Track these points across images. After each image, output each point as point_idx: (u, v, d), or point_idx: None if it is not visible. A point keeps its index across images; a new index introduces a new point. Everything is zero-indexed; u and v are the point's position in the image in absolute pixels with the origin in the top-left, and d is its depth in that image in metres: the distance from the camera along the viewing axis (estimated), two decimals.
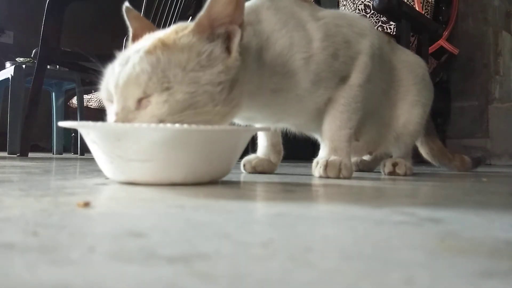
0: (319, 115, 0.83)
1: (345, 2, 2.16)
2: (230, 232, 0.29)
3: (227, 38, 0.62)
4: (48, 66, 2.17)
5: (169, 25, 1.55)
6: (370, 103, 0.87)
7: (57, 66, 2.54)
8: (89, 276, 0.19)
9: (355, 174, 0.93)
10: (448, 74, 2.24)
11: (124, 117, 0.57)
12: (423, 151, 1.22)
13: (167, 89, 0.56)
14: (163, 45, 0.58)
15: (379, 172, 1.06)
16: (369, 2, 2.01)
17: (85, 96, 2.53)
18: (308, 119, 0.86)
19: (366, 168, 1.16)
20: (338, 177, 0.78)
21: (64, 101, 2.76)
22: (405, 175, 0.96)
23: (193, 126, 0.55)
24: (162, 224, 0.31)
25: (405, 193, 0.61)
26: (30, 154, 1.86)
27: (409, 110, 0.97)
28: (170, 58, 0.57)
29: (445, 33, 2.13)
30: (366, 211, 0.39)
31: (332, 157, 0.79)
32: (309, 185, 0.68)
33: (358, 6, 2.08)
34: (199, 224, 0.31)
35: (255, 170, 0.92)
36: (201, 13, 0.60)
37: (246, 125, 0.85)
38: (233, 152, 0.62)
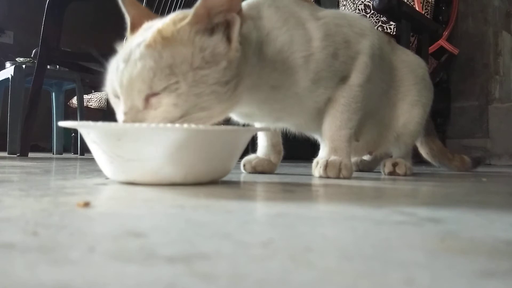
0: (319, 115, 0.83)
1: (345, 2, 2.16)
2: (230, 232, 0.29)
3: (227, 28, 0.61)
4: (48, 66, 2.17)
5: None
6: (370, 103, 0.87)
7: (57, 66, 2.54)
8: (89, 276, 0.19)
9: (355, 174, 0.93)
10: (448, 74, 2.24)
11: (134, 116, 0.57)
12: (423, 151, 1.22)
13: (177, 89, 0.56)
14: (163, 39, 0.57)
15: (379, 172, 1.06)
16: (369, 2, 2.01)
17: (85, 96, 2.53)
18: (308, 119, 0.86)
19: (366, 168, 1.16)
20: (338, 177, 0.78)
21: (64, 101, 2.76)
22: (405, 175, 0.96)
23: (193, 126, 0.55)
24: (162, 224, 0.31)
25: (405, 193, 0.61)
26: (30, 154, 1.86)
27: (409, 110, 0.97)
28: (174, 54, 0.57)
29: (445, 33, 2.13)
30: (366, 211, 0.39)
31: (332, 157, 0.79)
32: (309, 185, 0.68)
33: (358, 6, 2.08)
34: (199, 224, 0.31)
35: (255, 170, 0.92)
36: (197, 3, 0.59)
37: (246, 125, 0.85)
38: (233, 152, 0.62)
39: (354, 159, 1.11)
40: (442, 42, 2.08)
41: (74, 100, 2.62)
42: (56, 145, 2.71)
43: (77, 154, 2.53)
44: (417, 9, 1.94)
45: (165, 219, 0.34)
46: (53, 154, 2.66)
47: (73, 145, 2.92)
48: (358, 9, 2.08)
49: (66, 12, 1.79)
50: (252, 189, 0.60)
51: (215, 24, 0.60)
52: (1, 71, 2.52)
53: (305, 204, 0.45)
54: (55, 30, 1.76)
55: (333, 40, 0.78)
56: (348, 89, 0.81)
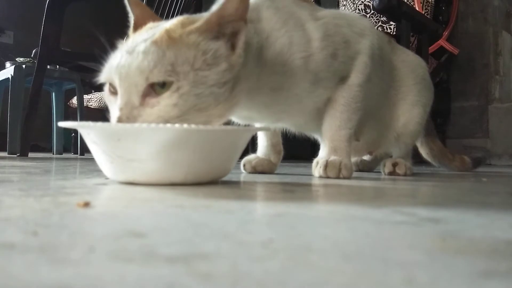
0: (318, 115, 0.83)
1: (345, 2, 2.16)
2: (230, 232, 0.29)
3: (232, 35, 0.62)
4: (48, 66, 2.17)
5: None
6: (370, 103, 0.87)
7: (57, 66, 2.54)
8: (89, 276, 0.19)
9: (355, 174, 0.93)
10: (448, 74, 2.24)
11: (129, 113, 0.56)
12: (423, 151, 1.22)
13: (179, 89, 0.56)
14: (170, 38, 0.57)
15: (379, 172, 1.06)
16: (369, 2, 2.01)
17: (85, 96, 2.53)
18: (308, 119, 0.86)
19: (366, 168, 1.16)
20: (338, 177, 0.78)
21: (64, 101, 2.76)
22: (405, 175, 0.96)
23: (193, 126, 0.55)
24: (162, 224, 0.31)
25: (405, 193, 0.61)
26: (30, 154, 1.86)
27: (409, 110, 0.97)
28: (177, 54, 0.57)
29: (445, 33, 2.13)
30: (366, 211, 0.39)
31: (332, 157, 0.79)
32: (309, 185, 0.68)
33: (358, 6, 2.08)
34: (199, 224, 0.31)
35: (255, 170, 0.92)
36: (213, 11, 0.60)
37: (246, 125, 0.85)
38: (233, 152, 0.62)
39: (354, 159, 1.11)
40: (442, 42, 2.08)
41: (74, 100, 2.62)
42: (56, 145, 2.71)
43: (77, 154, 2.53)
44: (417, 9, 1.94)
45: (165, 219, 0.34)
46: (53, 154, 2.66)
47: (73, 145, 2.92)
48: (358, 9, 2.08)
49: (66, 12, 1.79)
50: (252, 189, 0.60)
51: (223, 33, 0.61)
52: (1, 71, 2.52)
53: (305, 204, 0.45)
54: (55, 30, 1.76)
55: (333, 41, 0.78)
56: (347, 89, 0.81)
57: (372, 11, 2.01)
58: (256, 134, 0.98)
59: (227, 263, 0.21)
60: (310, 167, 0.83)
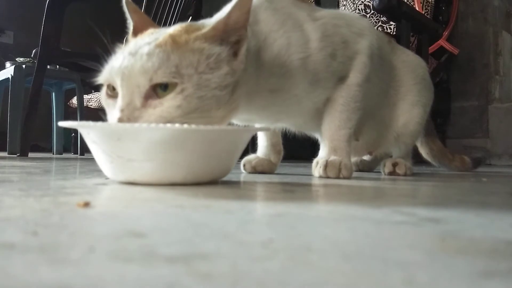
0: (318, 115, 0.83)
1: (345, 2, 2.16)
2: (230, 232, 0.29)
3: (236, 43, 0.62)
4: (48, 66, 2.17)
5: (169, 25, 1.55)
6: (370, 103, 0.87)
7: (57, 66, 2.54)
8: (89, 276, 0.19)
9: (355, 174, 0.93)
10: (448, 74, 2.24)
11: (130, 114, 0.56)
12: (423, 151, 1.22)
13: (183, 91, 0.56)
14: (174, 43, 0.58)
15: (379, 172, 1.06)
16: (369, 2, 2.01)
17: (85, 96, 2.53)
18: (308, 119, 0.86)
19: (366, 168, 1.16)
20: (338, 177, 0.78)
21: (64, 101, 2.76)
22: (405, 175, 0.96)
23: (193, 126, 0.55)
24: (162, 224, 0.31)
25: (405, 193, 0.61)
26: (30, 154, 1.86)
27: (409, 110, 0.97)
28: (181, 57, 0.57)
29: (445, 33, 2.13)
30: (366, 211, 0.39)
31: (332, 157, 0.79)
32: (309, 185, 0.68)
33: (358, 6, 2.08)
34: (199, 224, 0.31)
35: (255, 170, 0.92)
36: (220, 19, 0.60)
37: (245, 125, 0.85)
38: (233, 152, 0.62)
39: (354, 159, 1.12)
40: (442, 42, 2.08)
41: (74, 100, 2.62)
42: (56, 145, 2.71)
43: (77, 154, 2.53)
44: (417, 9, 1.94)
45: (165, 219, 0.34)
46: (53, 154, 2.66)
47: (73, 145, 2.92)
48: (358, 9, 2.08)
49: (66, 12, 1.79)
50: (252, 189, 0.60)
51: (228, 40, 0.61)
52: (1, 71, 2.53)
53: (305, 204, 0.45)
54: (55, 30, 1.76)
55: (331, 41, 0.78)
56: (347, 89, 0.81)
57: (372, 11, 2.01)
58: (256, 134, 0.98)
59: (227, 263, 0.21)
60: (310, 167, 0.83)
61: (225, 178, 0.68)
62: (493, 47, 2.18)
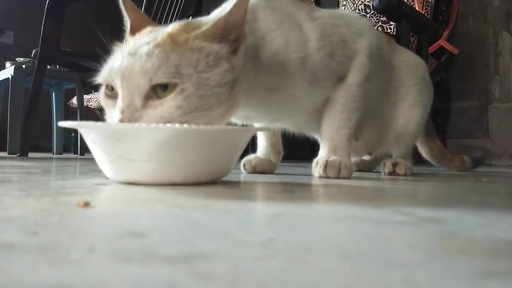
0: (317, 115, 0.83)
1: (345, 2, 2.16)
2: (230, 232, 0.29)
3: (235, 40, 0.62)
4: (48, 66, 2.17)
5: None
6: (370, 103, 0.87)
7: (57, 66, 2.54)
8: (89, 276, 0.19)
9: (355, 174, 0.93)
10: (448, 74, 2.24)
11: (130, 115, 0.56)
12: (423, 151, 1.22)
13: (183, 91, 0.56)
14: (173, 42, 0.57)
15: (379, 172, 1.06)
16: (369, 2, 2.01)
17: (85, 96, 2.53)
18: (307, 119, 0.86)
19: (366, 168, 1.16)
20: (338, 177, 0.78)
21: (64, 101, 2.76)
22: (405, 175, 0.96)
23: (193, 126, 0.55)
24: (162, 224, 0.31)
25: (405, 193, 0.61)
26: (30, 154, 1.86)
27: (409, 110, 0.97)
28: (181, 57, 0.57)
29: (445, 33, 2.13)
30: (366, 211, 0.39)
31: (332, 157, 0.79)
32: (309, 185, 0.68)
33: (358, 6, 2.08)
34: (199, 224, 0.31)
35: (255, 170, 0.92)
36: (221, 17, 0.60)
37: (244, 125, 0.85)
38: (233, 152, 0.62)
39: (354, 159, 1.12)
40: (442, 42, 2.08)
41: (74, 100, 2.62)
42: (56, 145, 2.71)
43: (77, 154, 2.53)
44: (417, 9, 1.94)
45: (165, 219, 0.34)
46: (53, 154, 2.66)
47: (73, 145, 2.92)
48: (358, 9, 2.08)
49: (66, 12, 1.79)
50: (252, 189, 0.60)
51: (227, 39, 0.61)
52: (1, 71, 2.53)
53: (305, 204, 0.45)
54: (55, 30, 1.76)
55: (330, 40, 0.78)
56: (346, 88, 0.81)
57: (372, 11, 2.01)
58: (256, 134, 0.98)
59: (227, 263, 0.21)
60: (310, 167, 0.83)
61: (225, 178, 0.68)
62: (493, 47, 2.18)
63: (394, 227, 0.32)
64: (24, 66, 2.37)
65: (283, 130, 0.95)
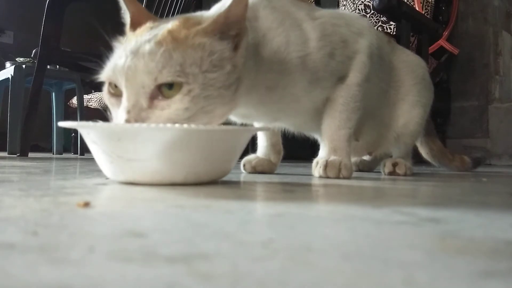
0: (317, 115, 0.83)
1: (345, 2, 2.16)
2: (230, 232, 0.29)
3: (235, 36, 0.62)
4: (48, 66, 2.17)
5: None
6: (370, 103, 0.87)
7: (57, 66, 2.54)
8: (89, 276, 0.19)
9: (355, 174, 0.93)
10: (448, 74, 2.24)
11: (137, 115, 0.55)
12: (423, 151, 1.22)
13: (190, 92, 0.56)
14: (174, 39, 0.57)
15: (379, 172, 1.06)
16: (369, 2, 2.01)
17: (85, 96, 2.53)
18: (307, 119, 0.86)
19: (366, 168, 1.16)
20: (338, 177, 0.78)
21: (64, 101, 2.76)
22: (405, 175, 0.96)
23: (193, 126, 0.55)
24: (162, 224, 0.31)
25: (405, 193, 0.61)
26: (30, 154, 1.86)
27: (409, 110, 0.97)
28: (184, 55, 0.56)
29: (445, 33, 2.13)
30: (366, 211, 0.39)
31: (332, 157, 0.79)
32: (309, 185, 0.68)
33: (358, 6, 2.08)
34: (199, 224, 0.31)
35: (255, 170, 0.92)
36: (221, 12, 0.60)
37: (244, 124, 0.85)
38: (233, 152, 0.62)
39: (354, 159, 1.11)
40: (442, 42, 2.08)
41: (74, 100, 2.62)
42: (56, 145, 2.71)
43: (77, 154, 2.53)
44: (417, 9, 1.94)
45: (165, 219, 0.34)
46: (53, 154, 2.66)
47: (73, 145, 2.92)
48: (358, 9, 2.08)
49: (66, 12, 1.79)
50: (252, 189, 0.60)
51: (228, 34, 0.61)
52: (1, 71, 2.53)
53: (305, 204, 0.45)
54: (55, 30, 1.76)
55: (330, 40, 0.78)
56: (346, 88, 0.81)
57: (372, 11, 2.01)
58: (256, 134, 0.98)
59: (227, 263, 0.21)
60: (310, 167, 0.83)
61: (225, 178, 0.68)
62: (493, 47, 2.18)
63: (394, 227, 0.32)
64: (24, 66, 2.37)
65: (283, 130, 0.95)
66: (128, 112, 0.55)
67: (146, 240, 0.26)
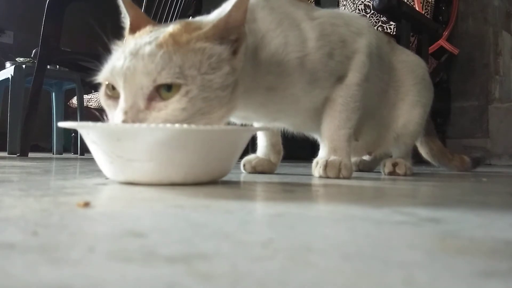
0: (317, 115, 0.83)
1: (345, 2, 2.16)
2: (230, 232, 0.29)
3: (235, 41, 0.62)
4: (48, 66, 2.17)
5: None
6: (369, 103, 0.87)
7: (57, 66, 2.54)
8: (89, 276, 0.19)
9: (355, 174, 0.93)
10: (448, 74, 2.24)
11: (134, 116, 0.55)
12: (423, 151, 1.22)
13: (188, 93, 0.56)
14: (175, 43, 0.57)
15: (379, 172, 1.06)
16: (369, 2, 2.01)
17: (85, 96, 2.53)
18: (306, 119, 0.86)
19: (366, 168, 1.16)
20: (338, 177, 0.78)
21: (64, 101, 2.76)
22: (405, 175, 0.96)
23: (193, 126, 0.55)
24: (162, 224, 0.31)
25: (405, 193, 0.61)
26: (30, 154, 1.86)
27: (409, 110, 0.97)
28: (184, 58, 0.56)
29: (445, 33, 2.13)
30: (366, 211, 0.39)
31: (332, 157, 0.79)
32: (309, 185, 0.68)
33: (358, 6, 2.08)
34: (199, 224, 0.31)
35: (255, 170, 0.92)
36: (221, 17, 0.60)
37: (244, 124, 0.85)
38: (233, 152, 0.62)
39: (354, 159, 1.12)
40: (442, 42, 2.08)
41: (74, 100, 2.62)
42: (56, 145, 2.71)
43: (77, 154, 2.53)
44: (417, 9, 1.94)
45: (165, 219, 0.34)
46: (53, 154, 2.66)
47: (73, 145, 2.92)
48: (358, 9, 2.08)
49: (66, 12, 1.79)
50: (252, 189, 0.60)
51: (228, 39, 0.61)
52: (1, 71, 2.53)
53: (305, 204, 0.45)
54: (55, 30, 1.76)
55: (329, 40, 0.78)
56: (345, 88, 0.80)
57: (372, 11, 2.01)
58: (256, 134, 0.98)
59: (227, 263, 0.21)
60: (310, 167, 0.83)
61: (225, 178, 0.68)
62: (493, 47, 2.18)
63: (394, 227, 0.32)
64: (24, 66, 2.37)
65: (283, 130, 0.95)
66: (125, 113, 0.55)
67: (146, 240, 0.26)
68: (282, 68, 0.73)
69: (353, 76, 0.81)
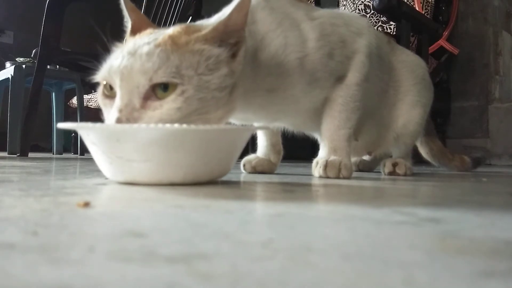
0: (317, 115, 0.83)
1: (345, 2, 2.16)
2: (230, 232, 0.29)
3: (234, 44, 0.62)
4: (48, 66, 2.17)
5: (169, 25, 1.55)
6: (369, 103, 0.87)
7: (57, 66, 2.54)
8: (89, 276, 0.19)
9: (355, 174, 0.93)
10: (448, 74, 2.24)
11: (129, 114, 0.55)
12: (423, 151, 1.22)
13: (183, 93, 0.56)
14: (174, 44, 0.57)
15: (379, 172, 1.06)
16: (369, 2, 2.01)
17: (85, 96, 2.53)
18: (306, 119, 0.86)
19: (366, 168, 1.16)
20: (338, 177, 0.78)
21: (64, 101, 2.76)
22: (405, 175, 0.96)
23: (192, 126, 0.55)
24: (162, 224, 0.31)
25: (405, 193, 0.61)
26: (30, 154, 1.86)
27: (409, 111, 0.97)
28: (181, 58, 0.57)
29: (445, 33, 2.13)
30: (366, 211, 0.39)
31: (332, 157, 0.79)
32: (309, 185, 0.68)
33: (358, 6, 2.08)
34: (199, 224, 0.31)
35: (255, 170, 0.92)
36: (221, 20, 0.60)
37: (243, 124, 0.85)
38: (232, 152, 0.62)
39: (354, 159, 1.12)
40: (442, 42, 2.08)
41: (74, 100, 2.62)
42: (56, 145, 2.71)
43: (77, 154, 2.53)
44: (417, 9, 1.94)
45: (164, 219, 0.34)
46: (53, 154, 2.66)
47: (73, 145, 2.92)
48: (358, 9, 2.08)
49: (66, 12, 1.79)
50: (252, 189, 0.60)
51: (227, 42, 0.61)
52: (1, 71, 2.53)
53: (305, 204, 0.45)
54: (55, 30, 1.76)
55: (329, 40, 0.78)
56: (345, 88, 0.80)
57: (372, 11, 2.01)
58: (256, 134, 0.98)
59: (227, 263, 0.21)
60: (310, 167, 0.83)
61: (225, 178, 0.68)
62: (493, 47, 2.18)
63: (394, 227, 0.32)
64: (24, 66, 2.37)
65: (283, 130, 0.95)
66: (120, 111, 0.55)
67: (146, 240, 0.26)
68: (282, 69, 0.72)
69: (353, 76, 0.81)
